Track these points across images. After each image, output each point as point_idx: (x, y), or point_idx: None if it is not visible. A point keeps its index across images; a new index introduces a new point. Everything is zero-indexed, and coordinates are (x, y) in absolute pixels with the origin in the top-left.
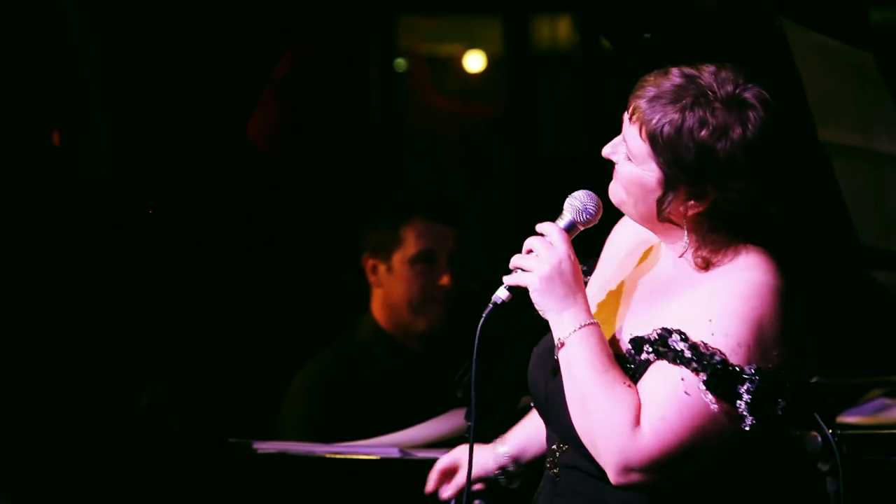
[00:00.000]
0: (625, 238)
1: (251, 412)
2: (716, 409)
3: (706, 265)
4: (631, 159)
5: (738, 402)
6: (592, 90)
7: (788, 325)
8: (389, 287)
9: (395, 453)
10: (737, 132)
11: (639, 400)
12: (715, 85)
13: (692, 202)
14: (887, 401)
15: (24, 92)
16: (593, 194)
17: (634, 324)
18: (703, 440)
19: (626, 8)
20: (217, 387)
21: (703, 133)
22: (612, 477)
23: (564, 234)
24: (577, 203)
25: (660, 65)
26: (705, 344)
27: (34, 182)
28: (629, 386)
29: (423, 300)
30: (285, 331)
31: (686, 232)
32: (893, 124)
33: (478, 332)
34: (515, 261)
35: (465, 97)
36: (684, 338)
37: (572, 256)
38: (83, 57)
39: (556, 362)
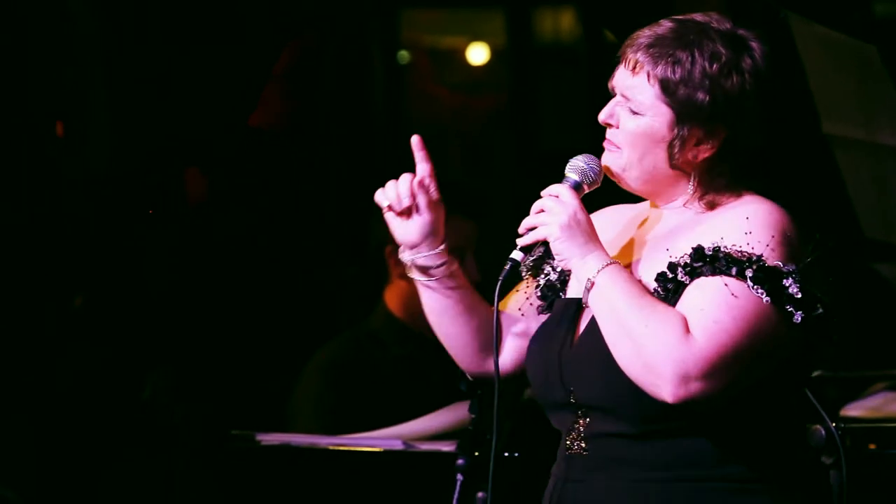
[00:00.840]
0: (609, 221)
1: (254, 404)
2: (767, 304)
3: (712, 206)
4: (637, 112)
5: (786, 294)
6: (596, 83)
7: (808, 245)
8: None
9: (398, 445)
10: (747, 63)
11: (683, 315)
12: (712, 23)
13: (703, 145)
14: (891, 394)
15: (27, 83)
16: (592, 156)
17: (653, 270)
18: (756, 340)
19: (629, 0)
20: (220, 378)
21: (714, 67)
22: (672, 391)
23: (573, 191)
24: (580, 164)
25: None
26: (740, 251)
27: (37, 172)
28: (668, 306)
29: None
30: (288, 322)
31: (692, 179)
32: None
33: (496, 293)
34: (528, 221)
35: (468, 90)
36: (720, 249)
37: (584, 210)
38: (87, 49)
39: (571, 329)
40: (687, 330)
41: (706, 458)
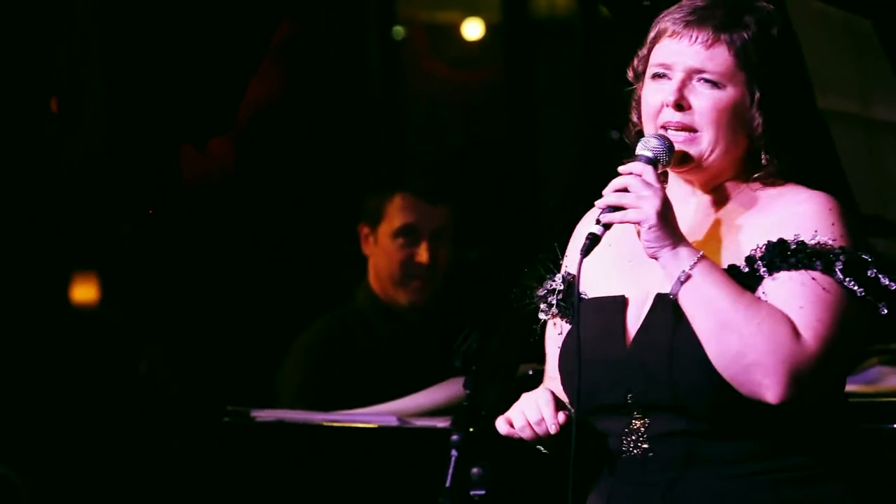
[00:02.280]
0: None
1: (249, 380)
2: (861, 295)
3: (772, 183)
4: (719, 83)
5: (877, 286)
6: (591, 58)
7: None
8: (376, 258)
9: (393, 422)
10: (788, 24)
11: (788, 315)
12: None
13: (775, 110)
14: (884, 369)
15: (23, 63)
16: (665, 136)
17: (724, 260)
18: (852, 334)
19: None
20: (216, 355)
21: (775, 29)
22: (779, 390)
23: (654, 171)
24: (654, 142)
25: None
26: (821, 243)
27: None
28: (772, 304)
29: (403, 275)
30: (283, 298)
31: (765, 149)
32: (892, 92)
33: (578, 269)
34: (612, 199)
35: (464, 65)
36: (804, 242)
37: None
38: (82, 29)
39: (621, 328)
40: (797, 331)
41: (776, 449)
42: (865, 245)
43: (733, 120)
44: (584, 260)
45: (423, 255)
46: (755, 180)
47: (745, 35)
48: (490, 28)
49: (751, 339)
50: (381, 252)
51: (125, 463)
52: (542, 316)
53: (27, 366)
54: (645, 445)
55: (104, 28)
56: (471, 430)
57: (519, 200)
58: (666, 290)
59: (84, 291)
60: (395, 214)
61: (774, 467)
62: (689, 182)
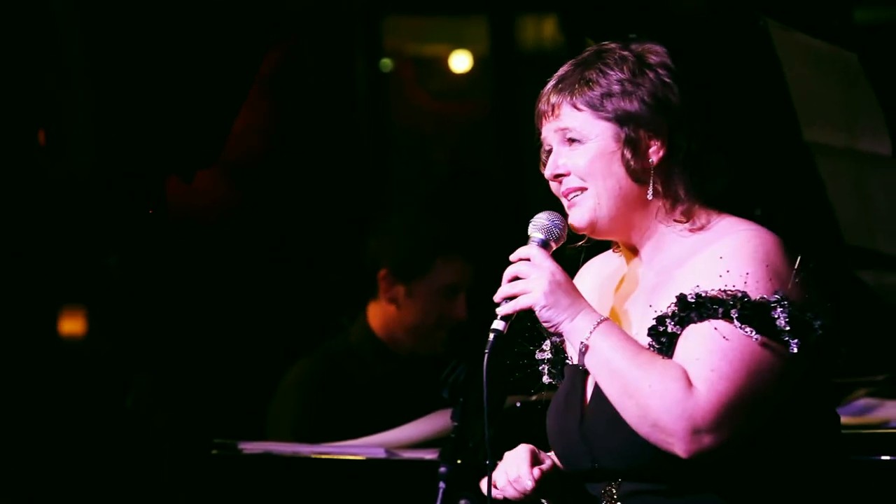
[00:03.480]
0: (589, 281)
1: (237, 412)
2: (759, 341)
3: (690, 218)
4: (579, 140)
5: (776, 326)
6: None
7: (793, 266)
8: (406, 310)
9: (380, 454)
10: (653, 59)
11: (683, 368)
12: (603, 44)
13: (652, 145)
14: (872, 401)
15: (12, 88)
16: (555, 212)
17: (645, 321)
18: (758, 379)
19: (611, 8)
20: (203, 387)
21: (625, 70)
22: (684, 447)
23: (544, 251)
24: (543, 221)
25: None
26: (723, 290)
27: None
28: (666, 358)
29: (434, 327)
30: (270, 330)
31: (654, 186)
32: (877, 124)
33: (484, 368)
34: (505, 290)
35: (451, 97)
36: (701, 294)
37: (561, 269)
38: (70, 53)
39: (581, 396)
40: (689, 383)
41: (746, 499)
42: (787, 284)
43: (607, 165)
44: None
45: (461, 311)
46: (677, 222)
47: (589, 90)
48: (477, 60)
49: (645, 400)
50: (414, 304)
51: (112, 494)
52: (547, 380)
53: (15, 397)
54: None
55: (91, 59)
56: (458, 461)
57: (505, 232)
58: None
59: (72, 324)
60: (445, 274)
61: None
62: (627, 234)
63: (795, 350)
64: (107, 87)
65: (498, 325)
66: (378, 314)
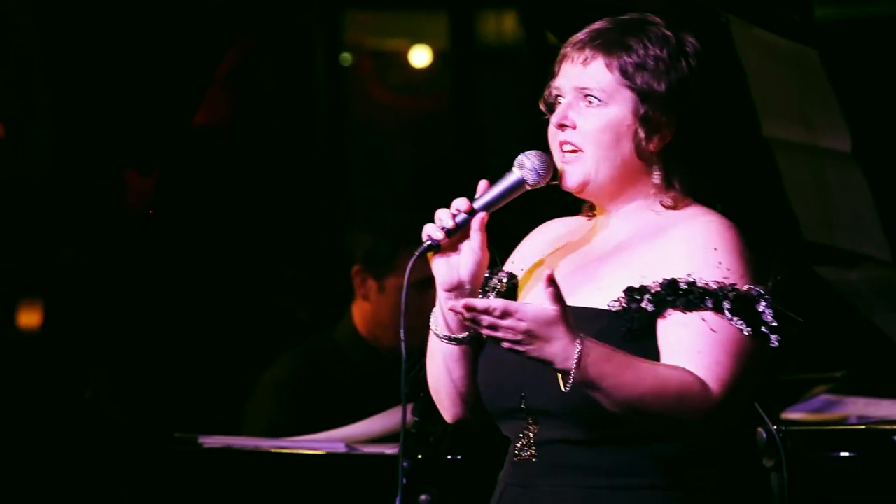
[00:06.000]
0: (542, 237)
1: (197, 406)
2: (748, 333)
3: (675, 204)
4: (600, 100)
5: (762, 321)
6: (538, 86)
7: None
8: (378, 305)
9: (341, 448)
10: (690, 47)
11: (684, 371)
12: (648, 17)
13: (663, 130)
14: (831, 397)
15: None
16: (544, 157)
17: (611, 282)
18: (748, 369)
19: (571, 3)
20: (162, 381)
21: (665, 51)
22: (693, 433)
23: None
24: (528, 162)
25: None
26: (714, 281)
27: None
28: (653, 364)
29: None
30: (225, 323)
31: (656, 169)
32: (837, 121)
33: (407, 272)
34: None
35: (411, 92)
36: (693, 282)
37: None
38: (27, 49)
39: None
40: (702, 384)
41: (653, 466)
42: (759, 274)
43: (617, 136)
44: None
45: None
46: (660, 204)
47: (626, 55)
48: (437, 55)
49: (668, 414)
50: (385, 301)
51: (70, 490)
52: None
53: None
54: (533, 451)
55: (49, 50)
56: (419, 456)
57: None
58: (587, 304)
59: (29, 317)
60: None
61: (649, 483)
62: (607, 200)
63: (775, 345)
64: (64, 81)
65: (437, 234)
66: (360, 313)
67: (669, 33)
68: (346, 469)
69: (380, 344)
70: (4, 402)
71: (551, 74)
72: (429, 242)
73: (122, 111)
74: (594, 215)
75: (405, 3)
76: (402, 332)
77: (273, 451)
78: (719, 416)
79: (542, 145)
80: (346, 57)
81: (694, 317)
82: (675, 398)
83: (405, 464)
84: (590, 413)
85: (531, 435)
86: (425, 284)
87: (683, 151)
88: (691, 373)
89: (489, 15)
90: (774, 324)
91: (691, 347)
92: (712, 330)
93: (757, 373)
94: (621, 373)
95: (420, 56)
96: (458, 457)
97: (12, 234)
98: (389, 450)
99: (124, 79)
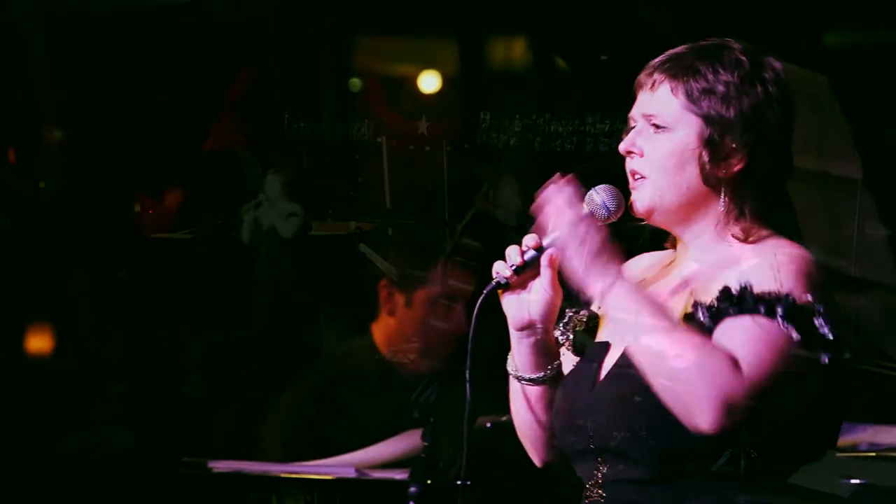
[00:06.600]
0: (634, 266)
1: (206, 431)
2: (797, 340)
3: (746, 235)
4: (664, 126)
5: (817, 335)
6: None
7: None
8: (404, 320)
9: (351, 473)
10: (769, 74)
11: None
12: (727, 41)
13: (732, 158)
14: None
15: None
16: (613, 191)
17: (678, 317)
18: (788, 370)
19: (582, 30)
20: (172, 405)
21: (736, 76)
22: (711, 419)
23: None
24: (597, 197)
25: (617, 86)
26: (768, 290)
27: None
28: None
29: (434, 340)
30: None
31: (723, 196)
32: (848, 148)
33: (475, 312)
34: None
35: (421, 117)
36: (745, 288)
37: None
38: (39, 72)
39: (596, 371)
40: (730, 360)
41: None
42: (825, 296)
43: (682, 163)
44: None
45: (460, 322)
46: (734, 237)
47: (693, 80)
48: (447, 81)
49: (690, 371)
50: (414, 315)
51: None
52: (558, 335)
53: None
54: (601, 491)
55: (60, 78)
56: (428, 481)
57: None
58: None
59: (38, 340)
60: (443, 281)
61: None
62: (678, 228)
63: (826, 363)
64: (76, 106)
65: (505, 272)
66: (381, 330)
67: (744, 58)
68: (356, 494)
69: (400, 364)
70: (14, 424)
71: (630, 100)
72: (497, 280)
73: (132, 134)
74: (675, 247)
75: (415, 28)
76: (468, 361)
77: (283, 475)
78: (744, 407)
79: (553, 167)
80: (355, 82)
81: (745, 318)
82: (699, 358)
83: (414, 489)
84: (653, 449)
85: (599, 476)
86: (450, 300)
87: (756, 179)
88: (727, 351)
89: (499, 40)
90: (830, 337)
91: (734, 337)
92: (760, 328)
93: (801, 384)
94: (651, 306)
95: (429, 82)
96: (469, 482)
97: (26, 257)
98: (399, 475)
99: (135, 102)
